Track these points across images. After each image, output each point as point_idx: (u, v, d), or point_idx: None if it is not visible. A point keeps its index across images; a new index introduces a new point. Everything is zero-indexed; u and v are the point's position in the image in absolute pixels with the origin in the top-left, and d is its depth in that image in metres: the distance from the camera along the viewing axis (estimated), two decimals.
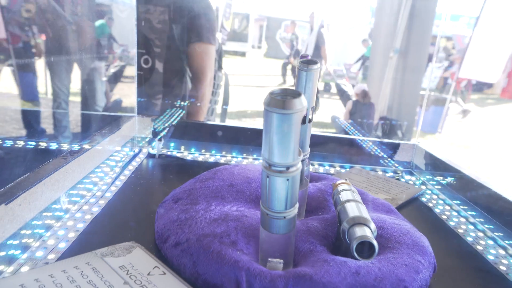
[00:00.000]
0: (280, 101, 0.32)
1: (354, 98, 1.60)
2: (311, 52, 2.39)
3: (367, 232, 0.44)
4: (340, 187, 0.55)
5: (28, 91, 0.92)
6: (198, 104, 1.09)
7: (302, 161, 0.51)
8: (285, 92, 0.34)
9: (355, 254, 0.43)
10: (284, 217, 0.39)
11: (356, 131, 1.16)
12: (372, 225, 0.45)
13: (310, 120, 0.49)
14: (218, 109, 1.26)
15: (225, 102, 1.30)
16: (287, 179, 0.36)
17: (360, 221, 0.45)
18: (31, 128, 0.87)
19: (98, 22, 0.97)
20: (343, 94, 2.00)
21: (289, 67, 3.15)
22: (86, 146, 0.73)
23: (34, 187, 0.51)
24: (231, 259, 0.43)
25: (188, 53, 1.07)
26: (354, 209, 0.47)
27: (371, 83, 1.40)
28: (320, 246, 0.47)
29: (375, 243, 0.43)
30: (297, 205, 0.40)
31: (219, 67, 1.21)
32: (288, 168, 0.36)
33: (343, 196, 0.52)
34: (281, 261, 0.42)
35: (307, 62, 0.45)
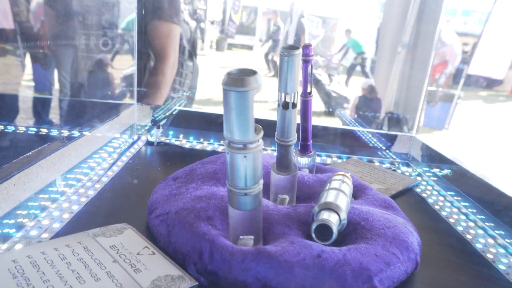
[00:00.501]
0: (237, 79, 0.34)
1: (360, 93, 1.59)
2: (291, 41, 2.38)
3: (331, 218, 0.44)
4: (335, 177, 0.55)
5: (35, 81, 0.93)
6: (142, 89, 1.03)
7: (288, 146, 0.52)
8: (241, 71, 0.35)
9: (313, 236, 0.43)
10: (245, 194, 0.41)
11: (357, 123, 1.17)
12: (343, 214, 0.45)
13: (294, 106, 0.49)
14: (186, 98, 1.22)
15: (193, 88, 1.25)
16: (245, 156, 0.38)
17: (330, 207, 0.45)
18: (34, 115, 0.88)
19: (131, 16, 0.98)
20: (317, 83, 2.02)
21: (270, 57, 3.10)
22: (84, 133, 0.74)
23: (29, 168, 0.52)
24: (200, 231, 0.46)
25: (149, 31, 1.01)
26: (331, 196, 0.48)
27: (378, 77, 1.40)
28: (297, 230, 0.48)
29: (333, 227, 0.43)
30: (260, 183, 0.41)
31: (190, 56, 1.18)
32: (245, 145, 0.37)
33: (331, 184, 0.53)
34: (252, 237, 0.43)
35: (289, 48, 0.46)
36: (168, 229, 0.49)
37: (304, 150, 0.69)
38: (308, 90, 0.63)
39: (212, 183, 0.59)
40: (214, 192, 0.54)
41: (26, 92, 0.90)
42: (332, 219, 0.44)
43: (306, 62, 0.61)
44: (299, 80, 0.49)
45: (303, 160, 0.69)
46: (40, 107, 0.91)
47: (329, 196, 0.48)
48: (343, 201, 0.48)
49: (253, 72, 0.35)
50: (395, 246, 0.46)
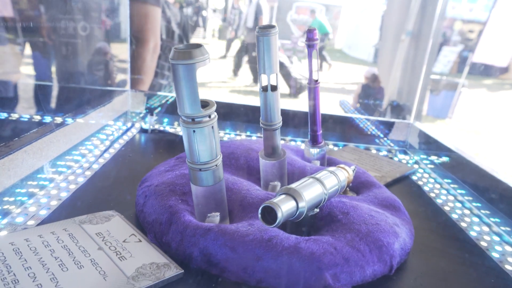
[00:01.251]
0: (183, 53, 0.35)
1: (363, 82, 1.56)
2: (251, 22, 2.37)
3: (284, 203, 0.41)
4: (329, 168, 0.53)
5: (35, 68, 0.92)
6: (139, 77, 1.00)
7: (272, 130, 0.51)
8: (188, 46, 0.36)
9: (259, 217, 0.42)
10: (200, 169, 0.41)
11: (357, 112, 1.15)
12: (302, 202, 0.42)
13: (275, 88, 0.48)
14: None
15: None
16: (194, 131, 0.38)
17: (291, 193, 0.43)
18: (29, 102, 0.87)
19: None
20: (281, 66, 2.00)
21: (234, 42, 3.02)
22: (78, 120, 0.74)
23: (14, 154, 0.51)
24: (167, 203, 0.47)
25: (129, 14, 0.96)
26: (302, 183, 0.45)
27: (381, 66, 1.38)
28: None
29: (278, 211, 0.40)
30: (218, 159, 0.42)
31: (180, 41, 1.11)
32: (193, 119, 0.38)
33: (317, 174, 0.50)
34: (217, 214, 0.43)
35: (264, 28, 0.45)
36: (145, 200, 0.50)
37: (313, 140, 0.67)
38: (315, 77, 0.61)
39: None
40: None
41: (24, 79, 0.89)
42: (284, 204, 0.41)
43: (310, 47, 0.59)
44: (278, 60, 0.48)
45: (313, 151, 0.67)
46: (36, 95, 0.90)
47: (300, 183, 0.46)
48: (312, 191, 0.45)
49: (198, 46, 0.35)
50: (365, 243, 0.44)
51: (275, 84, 0.48)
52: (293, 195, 0.42)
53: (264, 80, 0.48)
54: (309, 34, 0.59)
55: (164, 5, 1.09)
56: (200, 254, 0.42)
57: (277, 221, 0.40)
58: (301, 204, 0.42)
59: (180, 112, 0.38)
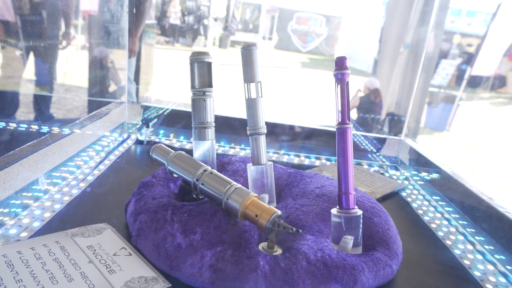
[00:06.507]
0: (196, 52, 0.55)
1: (362, 93, 1.57)
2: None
3: (160, 150, 0.57)
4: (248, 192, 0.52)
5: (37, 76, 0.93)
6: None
7: (251, 134, 0.57)
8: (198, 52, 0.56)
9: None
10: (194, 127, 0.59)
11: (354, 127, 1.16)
12: (165, 160, 0.55)
13: (256, 95, 0.55)
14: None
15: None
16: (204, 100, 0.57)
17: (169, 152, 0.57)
18: (26, 111, 0.89)
19: None
20: None
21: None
22: (75, 130, 0.75)
23: (10, 167, 0.53)
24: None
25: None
26: (196, 160, 0.53)
27: (380, 78, 1.39)
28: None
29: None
30: (203, 124, 0.57)
31: None
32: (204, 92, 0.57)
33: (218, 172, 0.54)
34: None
35: (247, 44, 0.54)
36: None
37: (339, 202, 0.49)
38: (342, 117, 0.50)
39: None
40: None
41: (21, 88, 0.90)
42: (158, 149, 0.56)
43: (339, 79, 0.49)
44: (258, 72, 0.56)
45: (335, 219, 0.49)
46: (34, 104, 0.92)
47: (196, 161, 0.54)
48: (188, 167, 0.53)
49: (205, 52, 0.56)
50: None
51: (256, 92, 0.55)
52: (167, 152, 0.56)
53: (248, 88, 0.56)
54: (338, 64, 0.49)
55: None
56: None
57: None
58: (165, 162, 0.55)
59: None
